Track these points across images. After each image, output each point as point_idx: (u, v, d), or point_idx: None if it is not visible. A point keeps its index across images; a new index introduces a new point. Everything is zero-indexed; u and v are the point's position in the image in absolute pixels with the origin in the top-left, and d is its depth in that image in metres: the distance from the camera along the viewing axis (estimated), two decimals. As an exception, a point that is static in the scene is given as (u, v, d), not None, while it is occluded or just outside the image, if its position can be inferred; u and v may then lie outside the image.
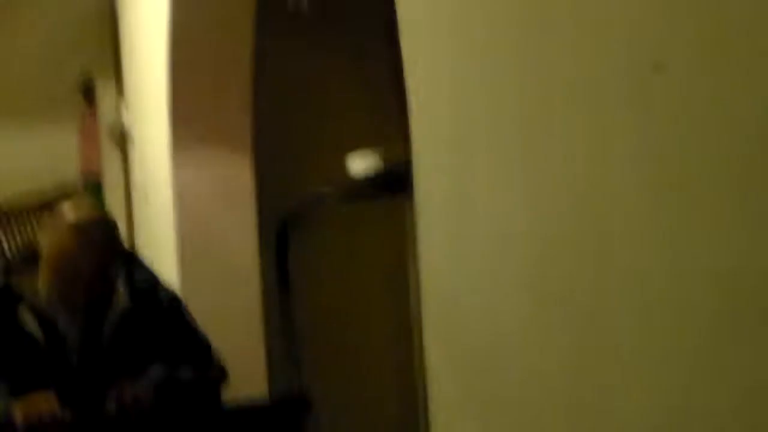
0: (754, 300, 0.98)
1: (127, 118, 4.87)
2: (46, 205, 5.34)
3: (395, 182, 3.63)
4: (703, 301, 1.08)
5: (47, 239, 2.99)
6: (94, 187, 5.47)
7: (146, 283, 3.10)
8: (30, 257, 3.07)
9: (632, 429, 1.21)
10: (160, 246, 4.17)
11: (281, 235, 3.99)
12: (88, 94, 5.44)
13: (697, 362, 1.09)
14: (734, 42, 0.99)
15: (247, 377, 3.59)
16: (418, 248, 1.85)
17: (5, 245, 5.39)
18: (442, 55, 1.71)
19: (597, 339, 1.29)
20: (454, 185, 1.70)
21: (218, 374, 3.10)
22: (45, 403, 2.81)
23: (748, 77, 0.97)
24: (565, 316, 1.36)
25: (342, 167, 3.70)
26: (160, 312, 3.09)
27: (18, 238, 5.42)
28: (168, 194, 4.03)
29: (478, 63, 1.58)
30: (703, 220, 1.07)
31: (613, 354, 1.25)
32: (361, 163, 3.67)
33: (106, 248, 2.96)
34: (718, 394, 1.05)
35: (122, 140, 4.99)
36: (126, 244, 3.23)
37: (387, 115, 4.27)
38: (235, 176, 3.99)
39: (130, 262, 3.14)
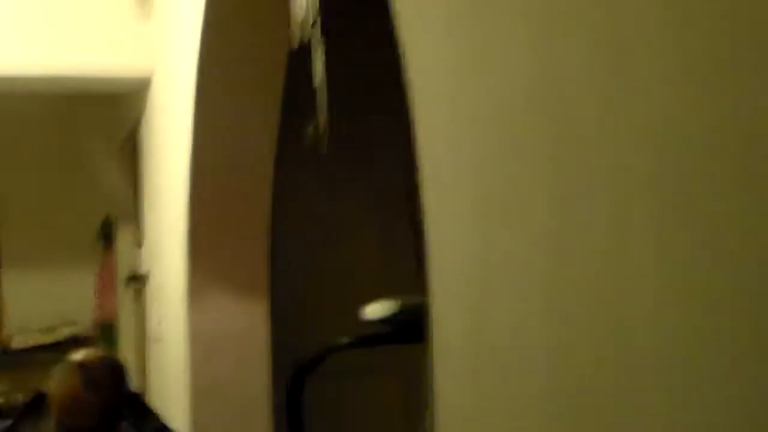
0: None
1: (144, 262, 4.86)
2: (57, 345, 5.43)
3: (410, 329, 3.60)
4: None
5: (54, 384, 2.97)
6: (107, 330, 5.50)
7: (156, 429, 3.07)
8: (38, 403, 3.05)
9: None
10: (171, 390, 4.14)
11: (295, 383, 3.92)
12: (107, 237, 5.53)
13: None
14: None
15: None
16: (434, 392, 1.84)
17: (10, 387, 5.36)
18: (464, 209, 1.73)
19: None
20: (471, 330, 1.69)
21: None
22: None
23: None
24: None
25: (357, 315, 3.64)
26: None
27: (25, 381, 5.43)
28: (182, 336, 4.01)
29: (499, 213, 1.61)
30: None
31: None
32: (376, 311, 3.62)
33: (112, 389, 2.94)
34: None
35: (138, 284, 4.97)
36: (136, 389, 3.18)
37: (403, 265, 4.31)
38: (249, 321, 3.97)
39: (138, 406, 3.13)
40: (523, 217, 1.52)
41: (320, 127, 3.37)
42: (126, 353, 4.89)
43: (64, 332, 5.54)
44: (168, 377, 4.25)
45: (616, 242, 1.28)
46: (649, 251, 1.20)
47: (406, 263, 4.37)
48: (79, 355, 3.04)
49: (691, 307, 1.12)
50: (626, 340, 1.25)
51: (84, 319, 5.63)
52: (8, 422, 3.07)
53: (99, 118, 5.51)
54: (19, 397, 5.17)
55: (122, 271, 5.27)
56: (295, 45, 3.03)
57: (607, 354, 1.29)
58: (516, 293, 1.53)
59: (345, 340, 3.88)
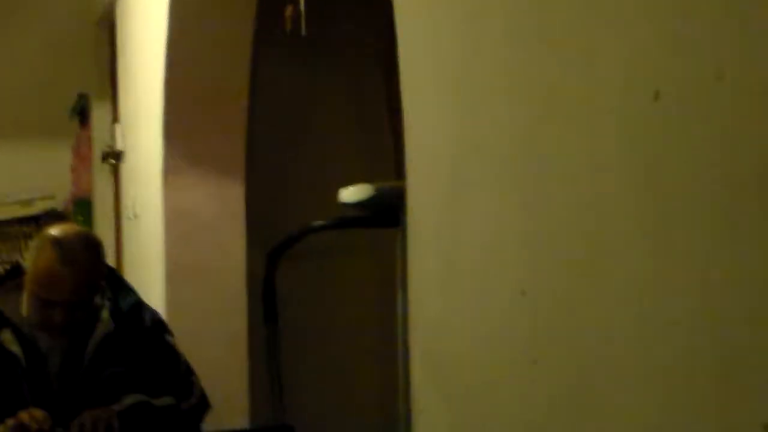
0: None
1: (120, 139, 4.86)
2: (33, 219, 5.49)
3: (386, 213, 3.63)
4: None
5: (30, 257, 2.96)
6: (83, 206, 5.51)
7: (130, 305, 3.05)
8: (14, 274, 3.04)
9: None
10: (148, 267, 4.17)
11: (270, 263, 3.98)
12: (82, 114, 5.50)
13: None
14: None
15: (229, 405, 3.59)
16: (407, 277, 1.89)
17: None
18: (442, 92, 1.74)
19: (589, 373, 1.29)
20: (446, 216, 1.71)
21: (198, 403, 3.04)
22: (38, 415, 2.78)
23: None
24: (556, 344, 1.37)
25: (334, 197, 3.70)
26: (142, 336, 3.04)
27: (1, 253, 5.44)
28: (158, 215, 4.03)
29: (476, 104, 1.61)
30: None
31: (607, 377, 1.26)
32: (353, 194, 3.65)
33: (88, 264, 2.90)
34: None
35: (114, 160, 4.97)
36: (111, 264, 3.19)
37: (380, 148, 4.35)
38: (226, 200, 4.00)
39: (114, 283, 3.10)
40: (501, 103, 1.51)
41: (299, 9, 3.34)
42: (101, 229, 4.91)
43: (40, 206, 5.55)
44: (144, 255, 4.28)
45: (588, 124, 1.28)
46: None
47: (382, 147, 4.40)
48: (55, 229, 3.01)
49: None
50: (602, 221, 1.25)
51: (60, 194, 5.63)
52: None
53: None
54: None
55: (97, 148, 5.25)
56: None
57: (581, 236, 1.30)
58: (491, 179, 1.54)
59: (321, 222, 3.93)
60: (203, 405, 3.05)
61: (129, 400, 2.89)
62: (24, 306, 2.91)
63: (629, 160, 1.19)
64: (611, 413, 1.25)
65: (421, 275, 1.81)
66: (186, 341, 3.17)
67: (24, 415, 2.77)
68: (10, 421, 2.77)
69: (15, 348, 2.89)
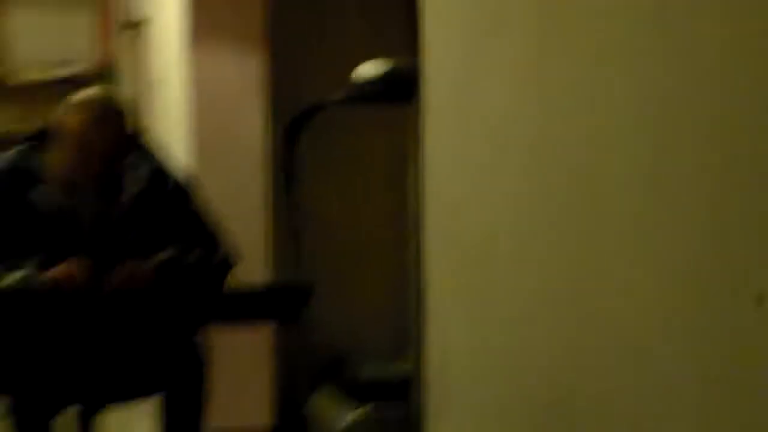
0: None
1: (143, 7, 4.83)
2: (60, 83, 5.40)
3: (401, 89, 3.66)
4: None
5: (61, 118, 2.98)
6: (107, 71, 5.48)
7: (156, 167, 3.11)
8: (44, 136, 3.06)
9: (621, 308, 1.24)
10: (172, 131, 4.18)
11: (290, 133, 4.02)
12: None
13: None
14: None
15: (251, 263, 3.62)
16: (422, 153, 1.86)
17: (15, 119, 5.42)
18: None
19: (585, 233, 1.31)
20: (461, 95, 1.70)
21: (225, 258, 3.12)
22: (79, 267, 2.88)
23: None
24: (555, 214, 1.39)
25: (351, 73, 3.70)
26: (171, 194, 3.11)
27: (31, 114, 5.46)
28: (183, 81, 4.03)
29: None
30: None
31: (600, 244, 1.28)
32: (369, 70, 3.68)
33: (115, 127, 2.97)
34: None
35: (137, 28, 4.94)
36: (136, 128, 3.24)
37: (396, 27, 4.30)
38: (248, 71, 4.00)
39: (138, 145, 3.14)
40: None
41: None
42: (125, 94, 4.91)
43: (67, 71, 5.51)
44: (168, 120, 4.29)
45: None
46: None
47: (396, 25, 4.38)
48: (84, 93, 3.05)
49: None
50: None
51: (85, 60, 5.57)
52: (16, 149, 3.07)
53: None
54: (21, 131, 5.27)
55: (121, 15, 5.21)
56: None
57: (588, 109, 1.30)
58: (505, 59, 1.53)
59: (337, 96, 3.97)
60: (229, 261, 3.12)
61: (162, 255, 2.98)
62: (55, 164, 2.97)
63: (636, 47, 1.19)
64: (613, 278, 1.26)
65: (436, 148, 1.80)
66: (212, 199, 3.24)
67: (62, 271, 2.86)
68: (51, 273, 2.86)
69: (47, 201, 2.96)
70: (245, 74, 3.99)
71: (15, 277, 2.89)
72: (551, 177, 1.41)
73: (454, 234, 1.73)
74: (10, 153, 3.07)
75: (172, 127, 4.19)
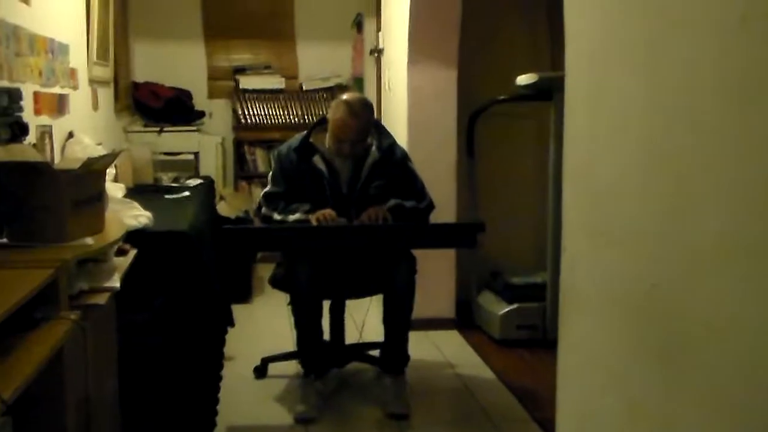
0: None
1: (381, 41, 4.86)
2: (329, 89, 5.57)
3: (545, 92, 3.59)
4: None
5: (331, 112, 3.05)
6: (358, 82, 5.57)
7: (388, 144, 3.13)
8: (321, 122, 3.14)
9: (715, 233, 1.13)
10: (396, 122, 4.18)
11: (471, 121, 4.01)
12: (359, 25, 5.45)
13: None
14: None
15: (444, 208, 3.63)
16: (564, 126, 1.74)
17: (303, 113, 5.56)
18: (593, 7, 1.60)
19: (690, 184, 1.20)
20: (592, 91, 1.62)
21: (428, 205, 3.14)
22: (329, 213, 2.95)
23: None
24: (667, 167, 1.28)
25: (512, 82, 3.69)
26: (397, 162, 3.13)
27: (312, 109, 5.57)
28: (403, 91, 4.03)
29: (616, 22, 1.47)
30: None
31: (703, 190, 1.17)
32: (525, 79, 3.62)
33: (365, 117, 3.00)
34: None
35: (377, 54, 5.00)
36: (377, 119, 3.29)
37: (544, 50, 4.21)
38: (445, 82, 3.94)
39: (379, 129, 3.18)
40: (636, 16, 1.38)
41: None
42: (369, 97, 4.97)
43: (333, 81, 5.62)
44: (395, 115, 4.29)
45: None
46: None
47: (546, 49, 4.27)
48: (345, 95, 3.10)
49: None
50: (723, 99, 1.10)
51: (345, 74, 5.68)
52: (304, 132, 3.14)
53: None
54: (307, 120, 5.45)
55: (367, 46, 5.24)
56: None
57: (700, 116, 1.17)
58: (626, 68, 1.43)
59: (503, 96, 3.85)
60: (431, 206, 3.15)
61: (391, 202, 3.02)
62: (327, 141, 3.06)
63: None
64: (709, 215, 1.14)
65: (574, 130, 1.71)
66: (420, 166, 3.23)
67: (319, 215, 2.92)
68: (314, 218, 2.93)
69: (321, 166, 3.04)
70: (444, 83, 3.93)
71: (297, 216, 2.99)
72: (663, 141, 1.29)
73: (587, 183, 1.63)
74: (302, 133, 3.13)
75: (397, 118, 4.20)
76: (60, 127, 3.08)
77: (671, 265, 1.27)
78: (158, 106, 5.27)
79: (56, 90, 3.05)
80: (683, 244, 1.23)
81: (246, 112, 5.56)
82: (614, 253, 1.50)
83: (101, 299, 1.74)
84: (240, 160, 5.62)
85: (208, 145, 5.25)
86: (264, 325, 4.10)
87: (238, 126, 5.59)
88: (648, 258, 1.36)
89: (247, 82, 5.57)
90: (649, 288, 1.34)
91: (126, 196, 2.84)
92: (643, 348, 1.38)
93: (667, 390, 1.29)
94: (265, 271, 4.13)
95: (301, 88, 5.65)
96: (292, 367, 3.38)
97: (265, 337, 3.83)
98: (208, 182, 4.16)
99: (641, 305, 1.38)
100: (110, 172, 2.93)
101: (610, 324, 1.53)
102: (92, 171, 1.88)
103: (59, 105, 3.09)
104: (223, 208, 4.47)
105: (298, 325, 3.03)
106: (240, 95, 5.55)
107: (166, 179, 4.05)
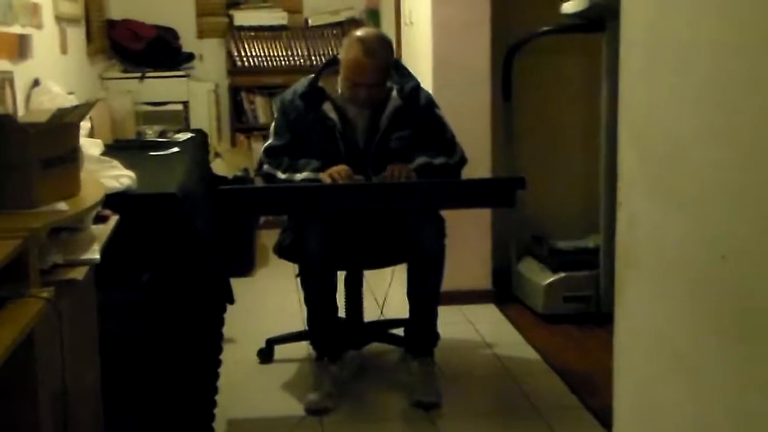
0: None
1: None
2: (339, 24, 5.54)
3: (596, 21, 3.55)
4: None
5: (342, 51, 3.03)
6: (373, 15, 5.56)
7: (411, 87, 3.11)
8: (331, 64, 3.13)
9: None
10: (419, 59, 4.18)
11: (507, 58, 3.99)
12: None
13: None
14: None
15: (478, 161, 3.62)
16: (620, 63, 1.73)
17: (309, 54, 5.55)
18: None
19: (760, 144, 1.21)
20: (653, 23, 1.60)
21: (459, 159, 3.14)
22: (343, 170, 2.96)
23: None
24: (736, 121, 1.29)
25: (556, 10, 3.65)
26: (420, 111, 3.12)
27: (320, 49, 5.56)
28: (427, 24, 4.01)
29: None
30: None
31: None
32: (572, 6, 3.58)
33: (383, 56, 2.98)
34: None
35: None
36: (395, 59, 3.27)
37: None
38: (476, 11, 3.91)
39: (400, 71, 3.17)
40: None
41: None
42: (387, 32, 4.97)
43: (344, 15, 5.59)
44: (417, 53, 4.28)
45: None
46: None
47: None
48: (359, 31, 3.09)
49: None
50: None
51: (358, 6, 5.66)
52: (311, 76, 3.15)
53: None
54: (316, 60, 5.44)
55: None
56: None
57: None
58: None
59: (546, 27, 3.83)
60: (462, 160, 3.15)
61: (418, 161, 3.01)
62: (339, 86, 3.04)
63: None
64: None
65: (631, 68, 1.70)
66: (449, 113, 3.22)
67: (332, 171, 2.93)
68: (325, 175, 2.94)
69: (332, 115, 3.04)
70: (473, 14, 3.90)
71: (306, 174, 3.00)
72: (724, 91, 1.31)
73: (646, 135, 1.63)
74: (309, 77, 3.13)
75: (420, 57, 4.18)
76: (23, 73, 3.08)
77: (745, 236, 1.26)
78: (139, 48, 5.28)
79: (15, 29, 3.05)
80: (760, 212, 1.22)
81: (242, 54, 5.56)
82: (682, 215, 1.49)
83: (78, 274, 1.75)
84: (237, 110, 5.64)
85: (198, 93, 5.27)
86: (269, 301, 4.13)
87: (233, 70, 5.59)
88: (719, 223, 1.35)
89: (242, 17, 5.55)
90: (719, 259, 1.32)
91: (104, 153, 2.86)
92: (713, 326, 1.38)
93: (740, 377, 1.29)
94: (269, 238, 4.16)
95: (307, 23, 5.63)
96: (302, 349, 3.41)
97: (271, 316, 3.87)
98: (200, 136, 4.18)
99: (712, 278, 1.37)
100: (85, 125, 2.94)
101: (674, 296, 1.53)
102: (63, 125, 1.87)
103: (20, 47, 3.09)
104: (219, 166, 4.50)
105: (309, 300, 3.05)
106: (235, 34, 5.55)
107: (150, 133, 4.08)
